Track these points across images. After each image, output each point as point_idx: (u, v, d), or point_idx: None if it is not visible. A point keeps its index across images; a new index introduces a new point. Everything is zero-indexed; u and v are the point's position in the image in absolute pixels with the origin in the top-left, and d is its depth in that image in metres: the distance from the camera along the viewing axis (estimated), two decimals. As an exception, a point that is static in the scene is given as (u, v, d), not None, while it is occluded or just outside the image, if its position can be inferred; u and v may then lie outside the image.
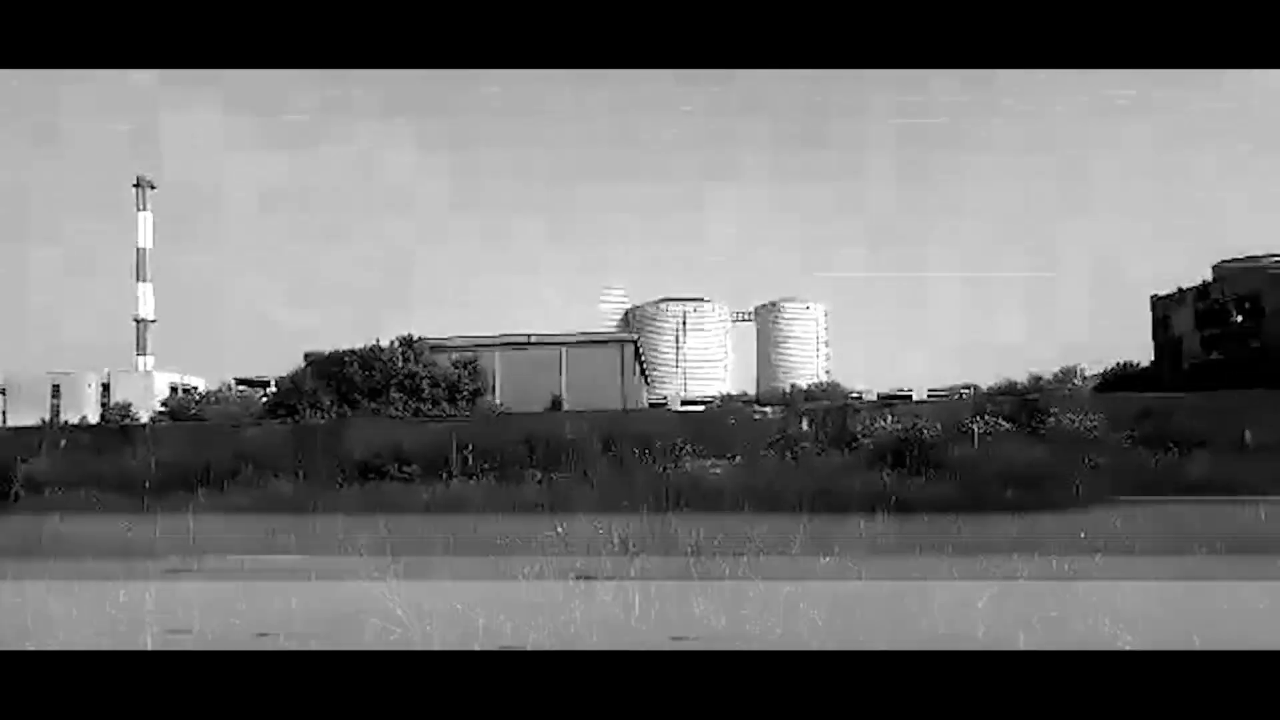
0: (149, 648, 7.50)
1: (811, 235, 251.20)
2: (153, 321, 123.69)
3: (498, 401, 46.95)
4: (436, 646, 7.47)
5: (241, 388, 58.34)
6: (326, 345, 45.99)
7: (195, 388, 65.78)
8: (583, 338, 55.05)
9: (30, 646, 7.54)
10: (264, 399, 48.57)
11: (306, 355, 46.82)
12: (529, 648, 7.36)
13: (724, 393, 61.76)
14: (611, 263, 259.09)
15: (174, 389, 68.71)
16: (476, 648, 7.36)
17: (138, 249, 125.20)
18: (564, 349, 53.27)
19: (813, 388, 56.16)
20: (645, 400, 59.57)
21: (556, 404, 48.45)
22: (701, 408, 48.63)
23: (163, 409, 58.41)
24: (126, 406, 65.91)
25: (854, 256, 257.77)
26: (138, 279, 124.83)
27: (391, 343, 45.91)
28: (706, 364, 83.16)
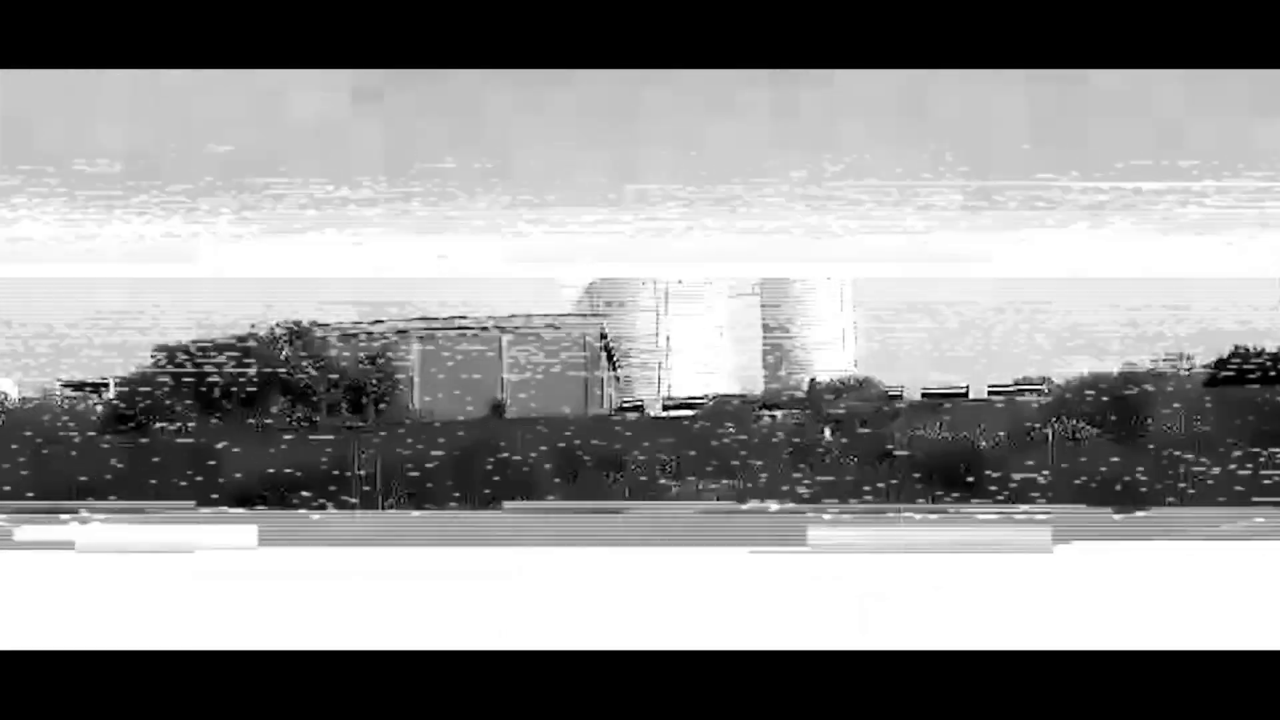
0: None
1: (837, 197, 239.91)
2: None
3: (416, 406, 41.47)
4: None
5: (71, 393, 52.02)
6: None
7: (4, 395, 58.30)
8: (531, 321, 48.74)
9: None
10: (100, 406, 42.64)
11: (158, 349, 40.88)
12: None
13: (720, 392, 55.34)
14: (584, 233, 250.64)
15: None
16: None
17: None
18: (506, 336, 47.03)
19: (837, 384, 50.73)
20: (616, 402, 53.61)
21: (498, 409, 42.92)
22: (691, 412, 43.22)
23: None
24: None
25: (890, 220, 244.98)
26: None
27: (272, 329, 39.99)
28: (698, 354, 75.42)
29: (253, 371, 37.78)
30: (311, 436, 36.16)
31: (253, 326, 40.53)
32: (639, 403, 51.08)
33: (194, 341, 39.88)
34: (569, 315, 53.00)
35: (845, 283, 77.74)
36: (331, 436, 36.20)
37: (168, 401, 37.28)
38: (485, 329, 47.16)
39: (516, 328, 47.72)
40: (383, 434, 35.45)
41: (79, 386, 54.91)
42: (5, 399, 45.61)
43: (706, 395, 49.74)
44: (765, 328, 77.86)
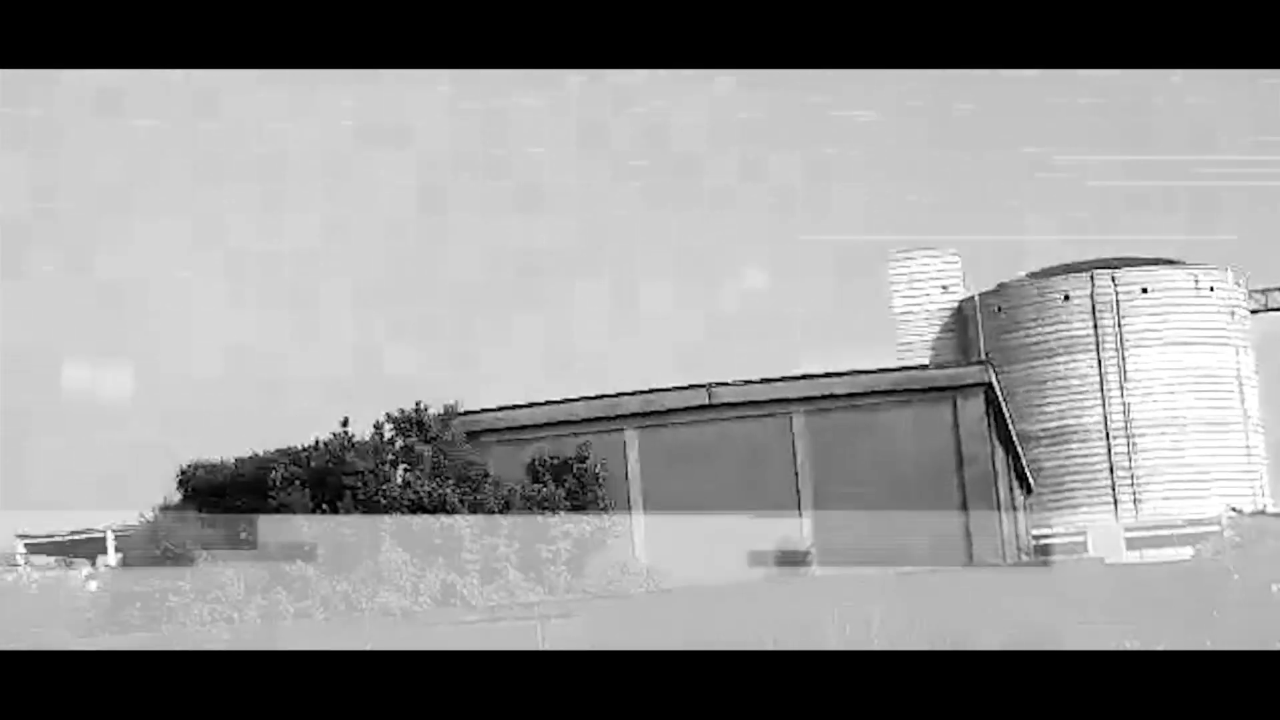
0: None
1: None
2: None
3: (642, 560, 25.06)
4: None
5: (42, 560, 36.04)
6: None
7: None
8: (855, 382, 27.50)
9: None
10: (91, 577, 28.11)
11: (186, 471, 26.24)
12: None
13: (1242, 507, 31.10)
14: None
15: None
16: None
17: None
18: (799, 413, 26.48)
19: None
20: (1026, 537, 31.32)
21: (792, 560, 24.32)
22: (1186, 554, 23.69)
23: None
24: None
25: None
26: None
27: (378, 427, 24.96)
28: (1194, 422, 43.80)
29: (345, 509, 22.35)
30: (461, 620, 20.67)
31: (345, 425, 24.43)
32: (1077, 537, 29.35)
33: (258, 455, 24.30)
34: (911, 369, 30.73)
35: None
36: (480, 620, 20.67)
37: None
38: (751, 405, 26.56)
39: (812, 398, 26.94)
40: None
41: (55, 548, 37.87)
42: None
43: (1215, 516, 27.31)
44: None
